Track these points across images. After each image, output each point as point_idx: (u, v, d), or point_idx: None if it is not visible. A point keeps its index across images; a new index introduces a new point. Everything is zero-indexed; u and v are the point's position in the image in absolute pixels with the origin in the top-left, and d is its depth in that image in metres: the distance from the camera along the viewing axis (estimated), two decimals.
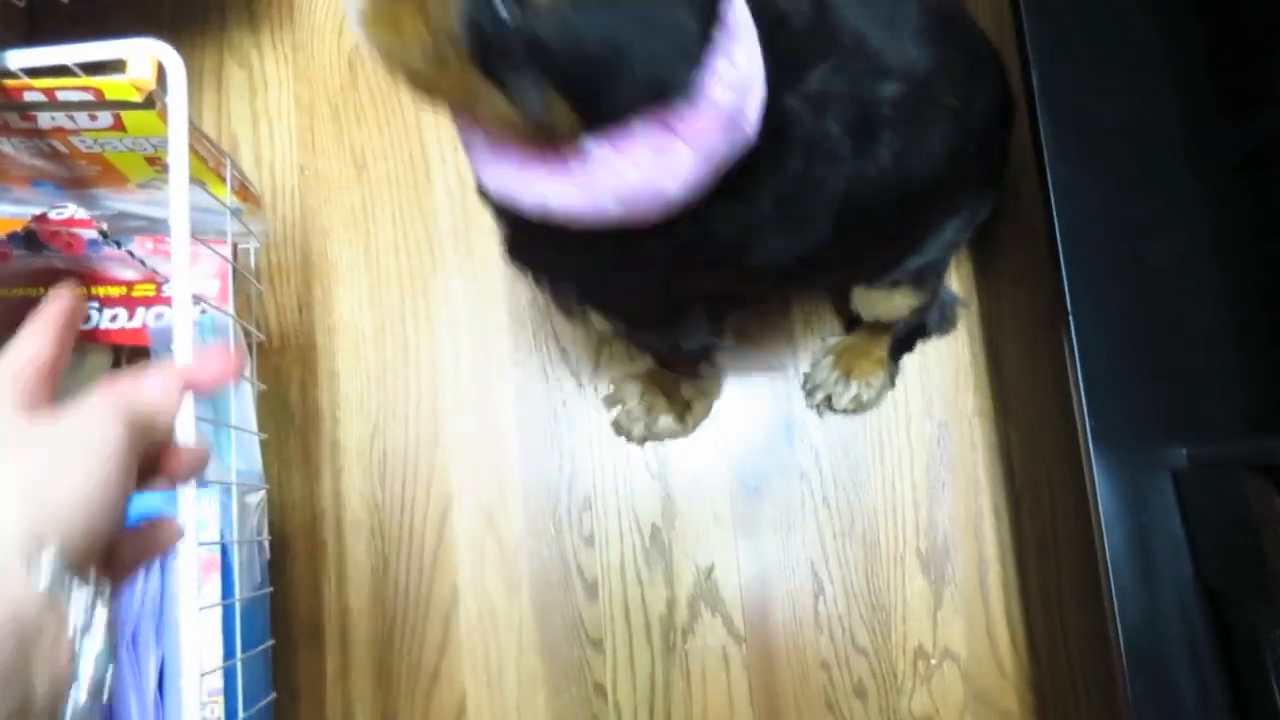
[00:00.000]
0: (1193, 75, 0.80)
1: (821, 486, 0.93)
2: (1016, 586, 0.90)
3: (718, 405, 0.94)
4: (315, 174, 1.02)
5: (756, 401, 0.95)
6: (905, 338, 0.90)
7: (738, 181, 0.53)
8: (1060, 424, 0.92)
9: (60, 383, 0.78)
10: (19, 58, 0.69)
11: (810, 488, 0.93)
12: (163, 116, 0.71)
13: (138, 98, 0.68)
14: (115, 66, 0.71)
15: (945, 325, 0.91)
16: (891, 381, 0.93)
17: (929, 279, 0.80)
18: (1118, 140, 0.78)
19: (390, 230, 1.00)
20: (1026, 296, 0.95)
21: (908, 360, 0.95)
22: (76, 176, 0.79)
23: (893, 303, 0.82)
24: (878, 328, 0.88)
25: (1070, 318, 0.72)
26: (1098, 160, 0.77)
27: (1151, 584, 0.65)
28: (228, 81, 1.06)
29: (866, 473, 0.93)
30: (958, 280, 0.95)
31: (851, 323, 0.94)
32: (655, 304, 0.69)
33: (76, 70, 0.69)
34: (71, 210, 0.72)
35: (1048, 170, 0.75)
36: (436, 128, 1.02)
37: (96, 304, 0.76)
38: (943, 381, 0.95)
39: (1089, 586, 0.87)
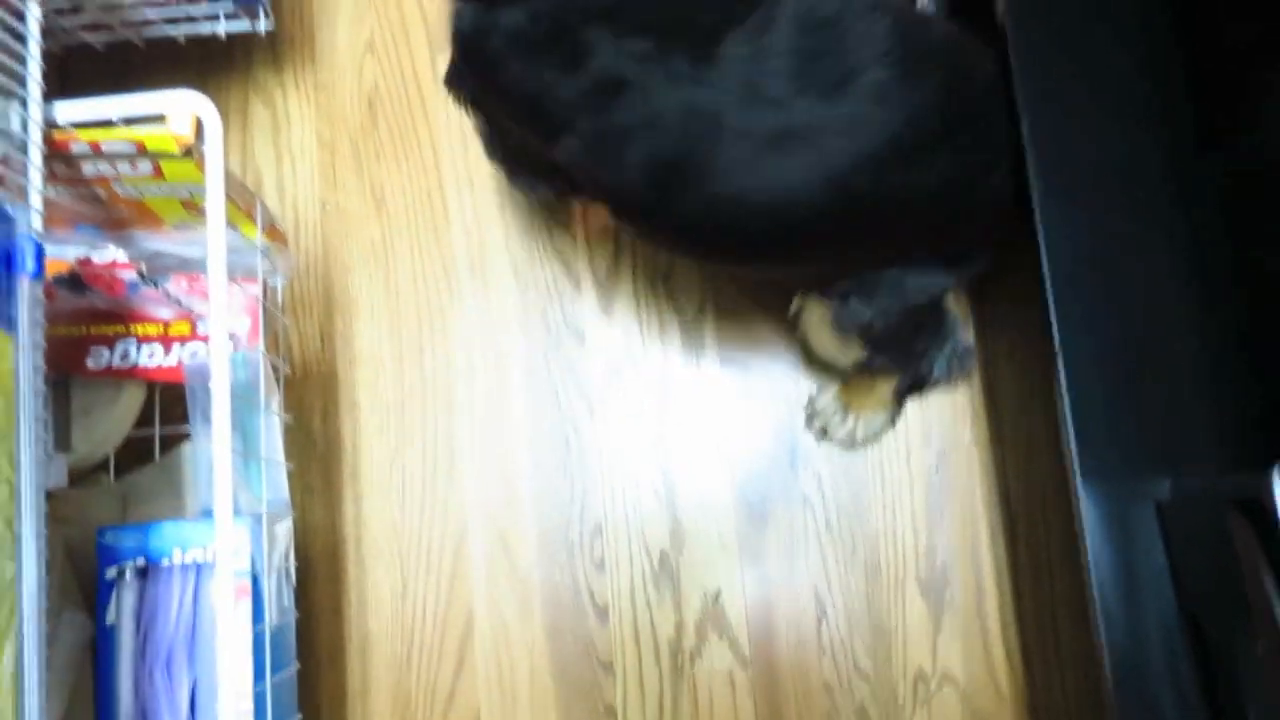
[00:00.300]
0: (1176, 113, 0.83)
1: (824, 513, 0.96)
2: (1013, 611, 0.94)
3: (725, 431, 0.98)
4: (337, 209, 1.06)
5: (761, 429, 0.98)
6: (912, 383, 0.92)
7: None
8: (1054, 453, 0.95)
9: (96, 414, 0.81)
10: (66, 110, 0.74)
11: (813, 514, 0.96)
12: (200, 165, 0.75)
13: (177, 150, 0.72)
14: (154, 113, 0.75)
15: (953, 374, 0.91)
16: (892, 422, 0.96)
17: (851, 321, 0.80)
18: (1104, 179, 0.82)
19: (409, 263, 1.04)
20: (1021, 328, 0.98)
21: None
22: (114, 219, 0.83)
23: (824, 338, 0.83)
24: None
25: (1058, 353, 0.75)
26: (1085, 198, 0.80)
27: (1137, 612, 0.68)
28: (252, 119, 1.10)
29: (868, 500, 0.96)
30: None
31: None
32: (502, 129, 0.81)
33: (119, 122, 0.73)
34: (113, 253, 0.77)
35: (1036, 208, 0.79)
36: (453, 164, 1.07)
37: (135, 342, 0.80)
38: (941, 411, 0.98)
39: (1082, 612, 0.90)
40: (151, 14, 0.94)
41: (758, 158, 0.67)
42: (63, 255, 0.82)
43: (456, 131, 1.07)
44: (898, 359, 0.87)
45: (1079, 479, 0.72)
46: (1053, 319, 0.76)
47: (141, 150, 0.74)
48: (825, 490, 0.97)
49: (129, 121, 0.74)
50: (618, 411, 0.99)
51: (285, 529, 0.80)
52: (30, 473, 0.58)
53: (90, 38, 0.96)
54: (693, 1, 0.68)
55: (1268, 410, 0.73)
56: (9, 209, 0.63)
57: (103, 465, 0.86)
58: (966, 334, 0.95)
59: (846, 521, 0.96)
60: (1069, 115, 0.82)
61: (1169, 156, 0.81)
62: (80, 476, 0.83)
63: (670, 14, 0.67)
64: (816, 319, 0.84)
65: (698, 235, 0.75)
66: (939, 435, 0.97)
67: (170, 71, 1.08)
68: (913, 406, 0.98)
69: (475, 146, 1.06)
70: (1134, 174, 0.81)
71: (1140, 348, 0.77)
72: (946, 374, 0.90)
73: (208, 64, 1.11)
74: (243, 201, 0.83)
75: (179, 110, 0.73)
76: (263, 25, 0.99)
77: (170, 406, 0.90)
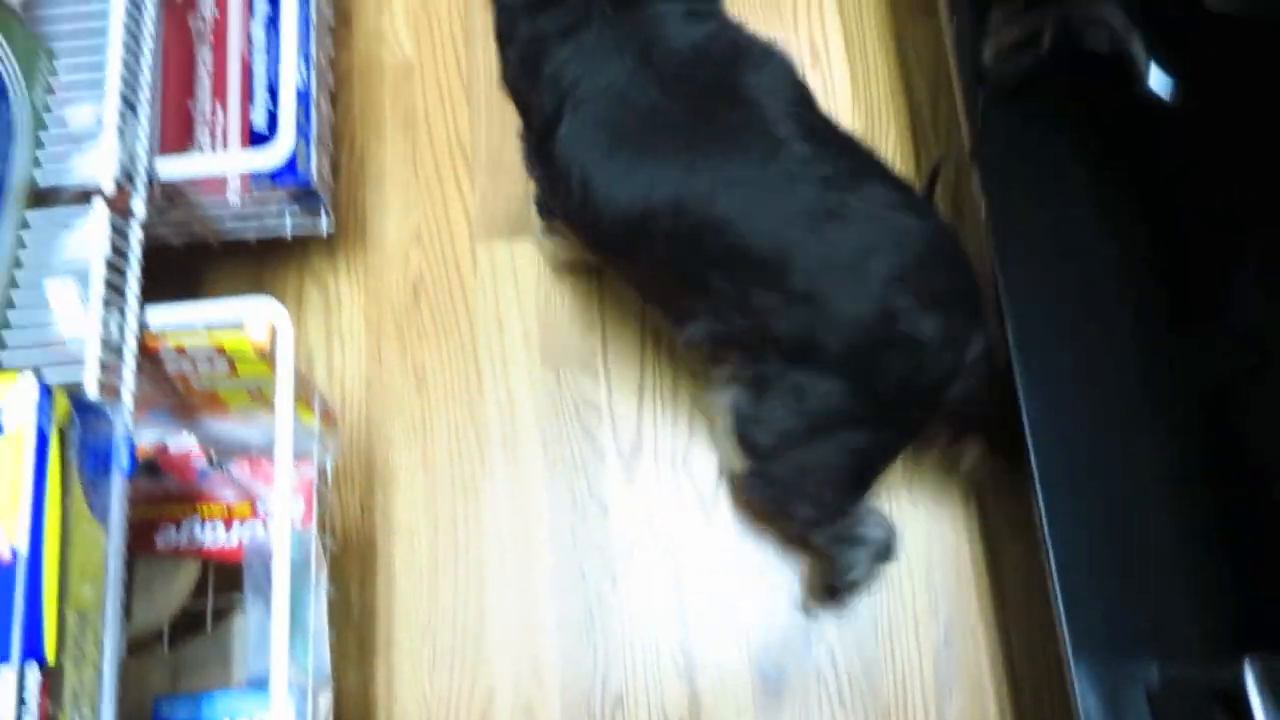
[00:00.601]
0: (1154, 318, 0.91)
1: (837, 685, 1.00)
2: None
3: (741, 604, 1.03)
4: (381, 387, 1.15)
5: (775, 602, 1.03)
6: (826, 576, 0.95)
7: None
8: (1055, 629, 0.99)
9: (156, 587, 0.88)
10: (157, 316, 0.83)
11: (827, 687, 1.00)
12: (270, 364, 0.84)
13: (253, 354, 0.82)
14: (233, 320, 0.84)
15: (861, 576, 0.93)
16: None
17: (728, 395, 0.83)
18: (1086, 380, 0.89)
19: (445, 439, 1.12)
20: (1022, 503, 1.04)
21: (914, 559, 1.02)
22: (185, 406, 0.92)
23: (724, 424, 0.85)
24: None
25: (1048, 541, 0.81)
26: (1068, 398, 0.88)
27: None
28: (306, 301, 1.20)
29: (879, 672, 1.00)
30: (955, 488, 1.05)
31: None
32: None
33: (201, 327, 0.83)
34: (187, 441, 0.85)
35: (1023, 409, 0.86)
36: (489, 345, 1.16)
37: (200, 521, 0.87)
38: (946, 582, 1.03)
39: None
40: (229, 220, 1.06)
41: (614, 112, 0.71)
42: (138, 443, 0.90)
43: (493, 315, 1.17)
44: (781, 502, 0.90)
45: (1071, 660, 0.77)
46: (1041, 508, 0.83)
47: (220, 352, 0.83)
48: (838, 662, 1.01)
49: (210, 327, 0.83)
50: (639, 583, 1.04)
51: (326, 700, 0.85)
52: (113, 655, 0.65)
53: (172, 238, 1.08)
54: None
55: (1247, 595, 0.79)
56: (109, 411, 0.72)
57: (157, 635, 0.91)
58: (889, 537, 0.95)
59: (859, 693, 0.99)
60: (1048, 306, 0.91)
61: (1151, 361, 0.89)
62: (138, 647, 0.88)
63: None
64: (724, 405, 0.87)
65: (558, 183, 0.78)
66: (945, 607, 1.02)
67: (234, 260, 1.19)
68: (920, 578, 1.03)
69: (509, 329, 1.16)
70: (1117, 376, 0.89)
71: (1126, 536, 0.83)
72: (852, 570, 0.91)
73: (267, 252, 1.21)
74: (303, 392, 0.92)
75: (256, 317, 0.83)
76: (324, 226, 1.11)
77: (221, 578, 0.97)
